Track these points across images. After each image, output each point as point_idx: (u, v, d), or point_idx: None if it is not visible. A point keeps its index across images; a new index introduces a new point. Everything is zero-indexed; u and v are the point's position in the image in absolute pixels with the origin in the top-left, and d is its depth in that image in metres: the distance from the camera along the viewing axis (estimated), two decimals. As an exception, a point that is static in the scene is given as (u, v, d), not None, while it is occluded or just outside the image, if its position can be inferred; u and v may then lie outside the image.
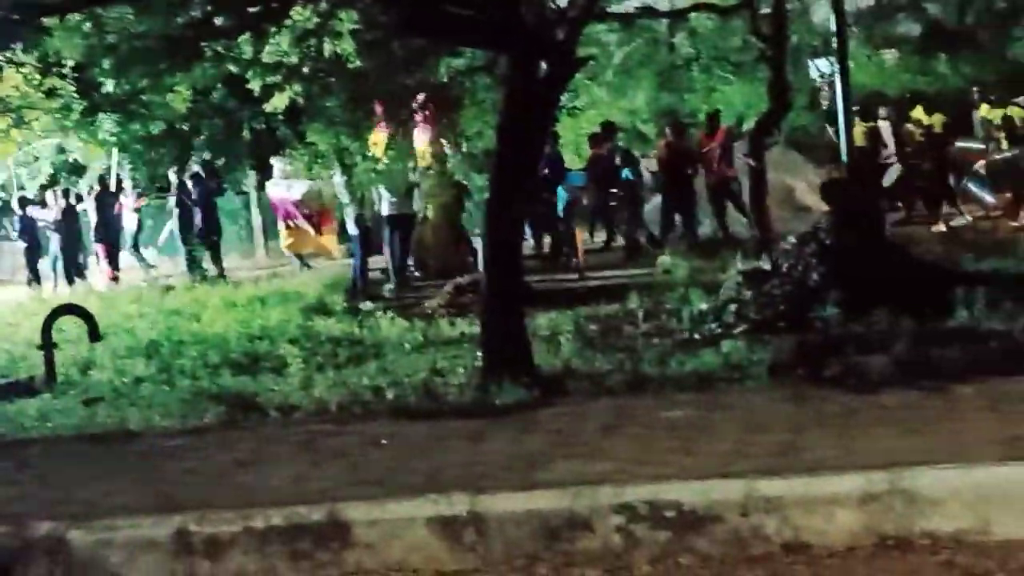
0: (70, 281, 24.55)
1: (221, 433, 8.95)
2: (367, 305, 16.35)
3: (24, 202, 26.41)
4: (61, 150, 26.33)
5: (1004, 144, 22.09)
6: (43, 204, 26.59)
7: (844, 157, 17.09)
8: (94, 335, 13.44)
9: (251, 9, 12.49)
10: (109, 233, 25.26)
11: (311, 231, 23.85)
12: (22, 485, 7.73)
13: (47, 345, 13.07)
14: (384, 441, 7.88)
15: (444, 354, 12.23)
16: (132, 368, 13.12)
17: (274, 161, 24.86)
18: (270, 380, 11.69)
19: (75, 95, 20.50)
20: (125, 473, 7.71)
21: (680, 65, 17.25)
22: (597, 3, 10.71)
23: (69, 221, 25.18)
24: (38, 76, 18.33)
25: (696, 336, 12.07)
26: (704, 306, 13.09)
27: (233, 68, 14.20)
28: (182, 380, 12.23)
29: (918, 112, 22.81)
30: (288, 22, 12.96)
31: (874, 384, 8.39)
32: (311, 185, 24.12)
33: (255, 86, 14.97)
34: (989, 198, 21.07)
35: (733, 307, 12.68)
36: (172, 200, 25.72)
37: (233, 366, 12.94)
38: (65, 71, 19.71)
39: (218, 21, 12.71)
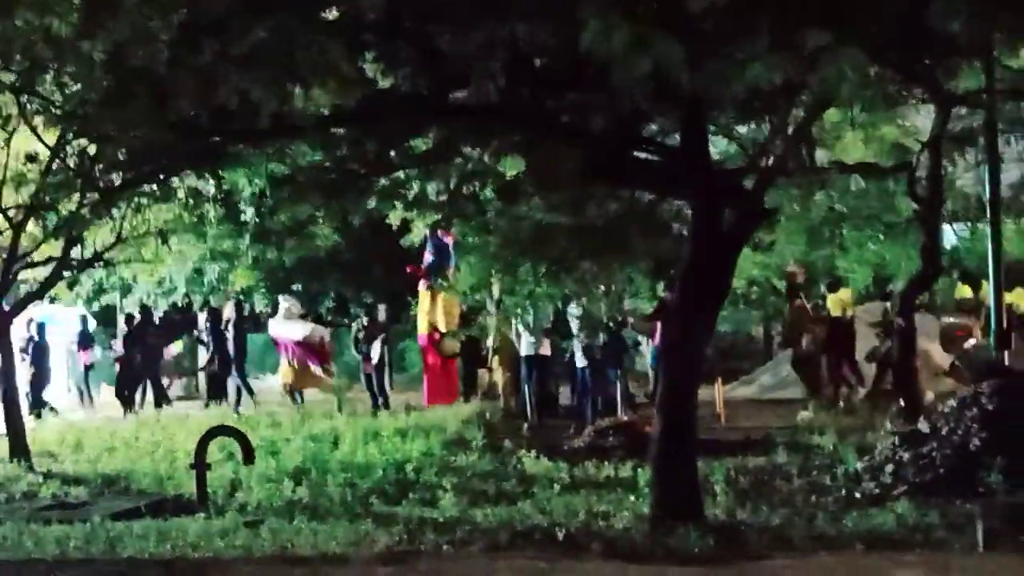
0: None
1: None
2: (507, 443, 16.36)
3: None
4: (198, 272, 26.76)
5: None
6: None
7: (993, 323, 16.84)
8: (249, 457, 13.52)
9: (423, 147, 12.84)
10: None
11: (311, 369, 24.12)
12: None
13: (200, 464, 13.16)
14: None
15: (597, 496, 12.21)
16: (283, 492, 13.21)
17: (281, 299, 25.35)
18: (425, 510, 11.73)
19: (222, 221, 20.90)
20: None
21: (831, 222, 17.27)
22: (794, 158, 10.80)
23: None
24: (191, 201, 18.68)
25: (856, 495, 11.92)
26: (860, 466, 12.92)
27: (398, 205, 14.45)
28: (335, 506, 12.30)
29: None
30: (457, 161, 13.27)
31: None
32: (313, 327, 24.53)
33: (394, 219, 15.24)
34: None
35: (890, 468, 12.51)
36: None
37: (381, 494, 13.03)
38: (209, 198, 20.13)
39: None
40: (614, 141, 10.15)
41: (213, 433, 13.90)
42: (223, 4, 8.10)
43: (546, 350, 19.75)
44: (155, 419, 20.34)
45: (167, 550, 9.83)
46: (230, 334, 24.46)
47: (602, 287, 17.89)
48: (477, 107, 10.31)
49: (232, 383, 24.62)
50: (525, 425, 18.96)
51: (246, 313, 26.61)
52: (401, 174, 13.62)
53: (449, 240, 21.30)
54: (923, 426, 13.05)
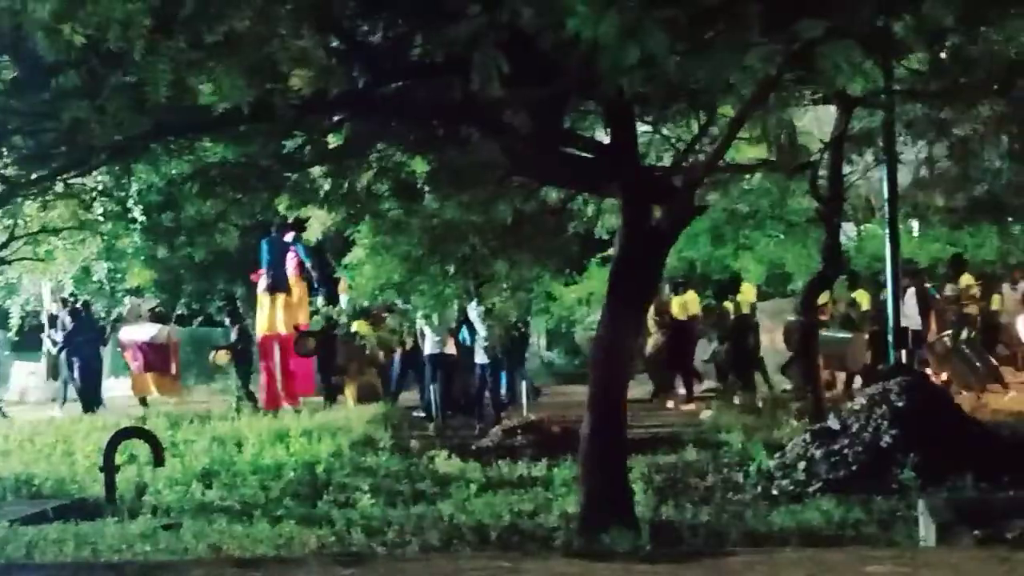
0: None
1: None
2: (414, 443, 16.30)
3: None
4: (86, 271, 26.13)
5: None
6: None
7: (891, 322, 17.16)
8: (159, 459, 13.25)
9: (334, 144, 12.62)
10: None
11: (157, 373, 23.98)
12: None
13: (109, 467, 12.87)
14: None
15: (516, 495, 12.18)
16: (193, 494, 12.96)
17: (127, 300, 25.11)
18: (343, 511, 11.58)
19: (118, 217, 20.42)
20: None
21: (733, 221, 17.45)
22: (721, 156, 10.82)
23: None
24: (88, 199, 18.20)
25: (773, 492, 12.06)
26: (772, 463, 13.04)
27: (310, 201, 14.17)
28: (250, 508, 12.09)
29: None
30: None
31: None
32: (160, 328, 24.32)
33: (289, 214, 14.98)
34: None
35: (802, 465, 12.65)
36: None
37: (295, 496, 12.84)
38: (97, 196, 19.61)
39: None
40: (541, 136, 10.08)
41: (122, 435, 13.62)
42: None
43: (451, 349, 19.69)
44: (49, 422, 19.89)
45: (88, 554, 9.55)
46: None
47: (505, 285, 17.81)
48: (402, 102, 10.20)
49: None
50: (431, 425, 18.91)
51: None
52: (315, 171, 13.38)
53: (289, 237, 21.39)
54: (833, 423, 13.23)
